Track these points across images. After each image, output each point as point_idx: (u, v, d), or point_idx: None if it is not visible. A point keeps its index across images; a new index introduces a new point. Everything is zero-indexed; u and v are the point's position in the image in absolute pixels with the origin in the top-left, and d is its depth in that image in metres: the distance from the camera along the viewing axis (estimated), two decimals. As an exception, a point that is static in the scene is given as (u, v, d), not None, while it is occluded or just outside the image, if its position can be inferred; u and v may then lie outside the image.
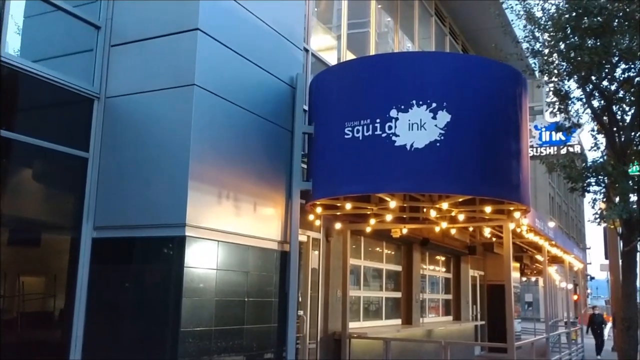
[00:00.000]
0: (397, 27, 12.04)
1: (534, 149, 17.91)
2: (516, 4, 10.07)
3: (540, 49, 9.71)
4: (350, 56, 9.73)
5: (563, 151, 16.62)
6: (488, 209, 7.55)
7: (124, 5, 6.06)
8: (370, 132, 6.31)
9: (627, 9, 8.53)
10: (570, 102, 9.86)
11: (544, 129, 17.98)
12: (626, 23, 8.59)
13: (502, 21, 11.95)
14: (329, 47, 9.73)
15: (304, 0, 7.90)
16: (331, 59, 9.18)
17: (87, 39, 5.97)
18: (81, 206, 5.68)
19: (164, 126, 5.57)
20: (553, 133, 16.57)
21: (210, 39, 5.74)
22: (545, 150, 17.89)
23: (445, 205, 7.72)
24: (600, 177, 9.58)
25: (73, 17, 5.79)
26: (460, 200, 7.61)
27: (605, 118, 9.74)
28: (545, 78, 10.05)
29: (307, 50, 8.11)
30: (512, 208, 7.50)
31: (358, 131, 6.39)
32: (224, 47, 5.94)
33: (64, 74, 5.55)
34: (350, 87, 6.70)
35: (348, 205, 7.54)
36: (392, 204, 7.75)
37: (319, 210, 7.44)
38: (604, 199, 10.15)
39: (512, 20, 11.92)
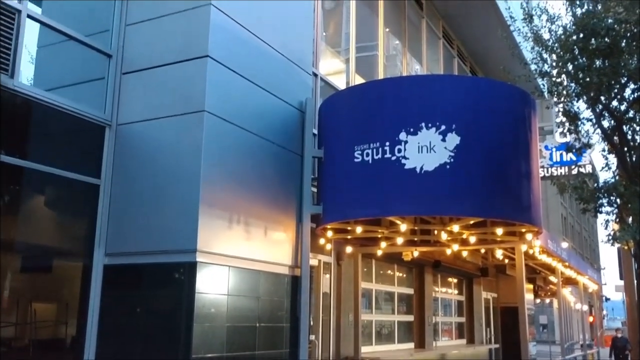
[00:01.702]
0: (405, 50, 12.12)
1: (545, 170, 17.82)
2: (523, 26, 10.12)
3: (549, 70, 9.73)
4: (358, 80, 9.79)
5: (574, 171, 16.54)
6: (499, 231, 7.51)
7: (135, 33, 6.15)
8: (379, 156, 6.32)
9: (635, 30, 8.55)
10: (580, 122, 9.84)
11: (554, 149, 17.90)
12: (634, 44, 8.60)
13: (509, 43, 12.01)
14: (338, 71, 9.79)
15: (313, 26, 7.98)
16: (340, 83, 9.24)
17: (99, 67, 6.05)
18: (93, 233, 5.71)
19: (175, 152, 5.61)
20: (564, 153, 16.48)
21: (219, 65, 5.81)
22: (557, 170, 17.80)
23: (456, 228, 7.68)
24: (612, 197, 9.52)
25: (85, 47, 5.88)
26: (472, 222, 7.57)
27: (615, 138, 9.70)
28: (554, 99, 10.05)
29: (315, 75, 8.17)
30: (523, 230, 7.45)
31: (367, 154, 6.40)
32: (233, 73, 6.00)
33: (76, 102, 5.63)
34: (359, 111, 6.73)
35: (359, 229, 7.53)
36: (403, 227, 7.72)
37: (329, 234, 7.43)
38: (617, 220, 10.07)
39: (519, 42, 11.97)
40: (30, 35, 5.47)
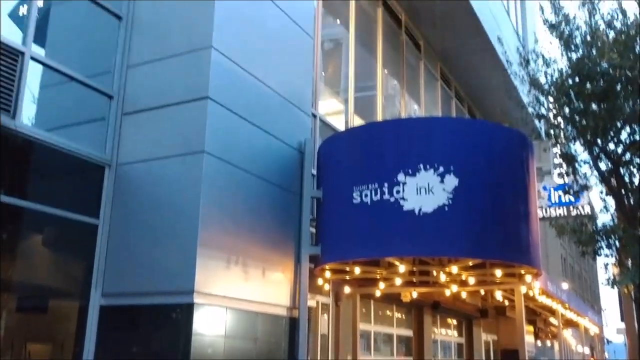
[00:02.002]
0: (403, 91, 12.27)
1: (543, 210, 17.83)
2: (520, 70, 10.27)
3: (545, 113, 9.86)
4: (357, 120, 9.88)
5: (573, 212, 16.55)
6: (499, 273, 7.48)
7: (137, 74, 6.23)
8: (378, 197, 6.34)
9: (629, 74, 8.69)
10: (577, 165, 9.92)
11: (552, 190, 17.96)
12: (629, 88, 8.73)
13: (507, 86, 12.18)
14: (337, 111, 9.89)
15: (312, 66, 8.09)
16: (339, 123, 9.33)
17: (100, 107, 6.11)
18: (90, 273, 5.67)
19: (174, 193, 5.63)
20: (562, 194, 16.54)
21: (219, 107, 5.87)
22: (555, 211, 17.82)
23: (455, 269, 7.65)
24: (610, 240, 9.52)
25: (87, 88, 5.95)
26: (471, 264, 7.55)
27: (613, 180, 9.76)
28: (552, 142, 10.14)
29: (315, 116, 8.25)
30: (523, 271, 7.42)
31: (366, 195, 6.42)
32: (233, 114, 6.05)
33: (76, 142, 5.67)
34: (358, 152, 6.78)
35: (357, 270, 7.49)
36: (402, 268, 7.69)
37: (328, 274, 7.39)
38: (616, 263, 10.04)
39: (516, 86, 12.15)
40: (33, 75, 5.54)
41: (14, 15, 5.76)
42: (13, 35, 5.32)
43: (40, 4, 5.66)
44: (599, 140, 9.28)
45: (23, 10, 5.65)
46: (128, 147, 6.04)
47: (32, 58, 5.33)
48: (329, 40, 10.12)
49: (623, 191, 9.61)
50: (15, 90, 5.08)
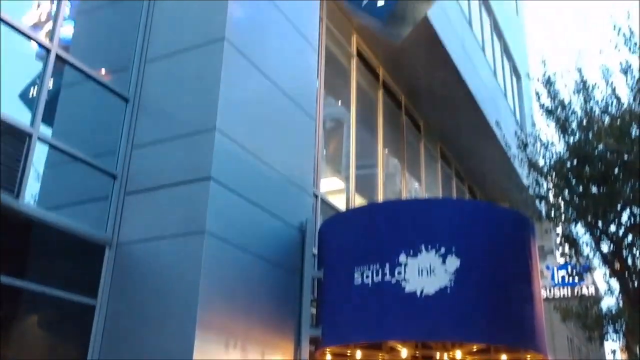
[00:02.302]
0: (404, 170, 12.39)
1: (547, 290, 17.60)
2: (519, 152, 10.43)
3: (545, 194, 9.92)
4: (358, 199, 9.92)
5: (577, 293, 16.33)
6: (504, 357, 7.28)
7: (141, 155, 6.32)
8: (379, 278, 6.27)
9: (627, 158, 8.81)
10: (579, 246, 9.88)
11: (555, 269, 17.79)
12: (627, 171, 8.83)
13: (506, 169, 12.32)
14: (338, 190, 9.94)
15: (314, 146, 8.19)
16: (340, 202, 9.36)
17: (103, 187, 6.16)
18: (85, 355, 5.54)
19: (174, 273, 5.58)
20: (565, 274, 16.39)
21: (222, 187, 5.91)
22: (559, 291, 17.58)
23: (459, 354, 7.45)
24: (617, 324, 9.35)
25: (91, 168, 6.02)
26: (475, 348, 7.37)
27: (616, 263, 9.69)
28: (552, 223, 10.16)
29: (316, 196, 8.29)
30: (528, 356, 7.23)
31: (367, 277, 6.36)
32: (235, 194, 6.09)
33: (78, 221, 5.68)
34: (360, 232, 6.77)
35: (358, 353, 7.30)
36: (404, 352, 7.50)
37: (328, 357, 7.20)
38: (624, 348, 9.82)
39: (516, 168, 12.29)
40: (38, 154, 5.62)
41: (24, 97, 5.91)
42: (22, 116, 5.45)
43: (50, 85, 5.82)
44: (599, 223, 9.30)
45: (33, 92, 5.80)
46: (129, 226, 6.04)
47: (40, 139, 5.42)
48: (331, 119, 10.32)
49: (627, 274, 9.53)
50: (20, 171, 5.14)
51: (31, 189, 5.53)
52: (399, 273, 6.19)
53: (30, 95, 5.80)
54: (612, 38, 9.78)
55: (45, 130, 5.68)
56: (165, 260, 5.69)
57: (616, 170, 8.82)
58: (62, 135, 5.92)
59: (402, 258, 6.26)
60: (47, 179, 5.87)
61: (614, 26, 9.80)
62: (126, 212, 6.12)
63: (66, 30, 6.21)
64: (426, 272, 6.15)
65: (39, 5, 6.11)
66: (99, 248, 5.89)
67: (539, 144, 10.07)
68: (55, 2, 6.07)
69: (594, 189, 8.89)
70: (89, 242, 5.80)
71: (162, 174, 6.07)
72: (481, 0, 15.70)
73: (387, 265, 6.26)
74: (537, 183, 9.79)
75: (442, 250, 6.21)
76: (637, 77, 9.16)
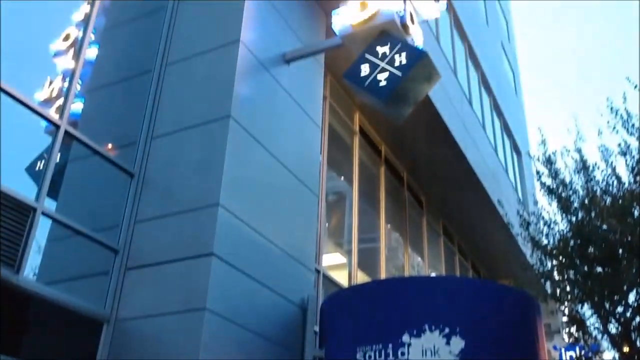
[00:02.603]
0: (406, 245, 12.33)
1: (555, 371, 17.08)
2: (522, 230, 10.41)
3: (550, 274, 9.83)
4: (361, 274, 9.82)
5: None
6: None
7: (144, 230, 6.32)
8: (382, 359, 6.12)
9: (630, 239, 8.79)
10: (586, 327, 9.69)
11: (563, 349, 17.32)
12: (631, 252, 8.78)
13: (510, 248, 12.26)
14: (340, 265, 9.87)
15: (316, 219, 8.19)
16: (342, 277, 9.27)
17: (104, 261, 6.12)
18: None
19: (172, 351, 5.46)
20: (574, 355, 15.95)
21: (223, 263, 5.88)
22: (567, 372, 17.05)
23: None
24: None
25: (93, 242, 6.01)
26: None
27: (625, 346, 9.47)
28: (558, 304, 10.01)
29: (318, 271, 8.22)
30: None
31: (370, 357, 6.19)
32: (236, 270, 6.05)
33: (77, 296, 5.62)
34: (362, 310, 6.65)
35: None
36: None
37: None
38: None
39: (520, 245, 12.24)
40: (41, 228, 5.62)
41: (30, 170, 5.98)
42: (27, 189, 5.50)
43: (57, 159, 5.89)
44: (606, 304, 9.16)
45: (40, 165, 5.87)
46: (128, 302, 5.96)
47: (43, 213, 5.44)
48: (333, 193, 10.38)
49: (636, 357, 9.28)
50: (22, 246, 5.13)
51: (31, 262, 5.50)
52: (403, 354, 6.04)
53: (37, 169, 5.87)
54: (610, 119, 10.01)
55: (50, 204, 5.71)
56: (165, 338, 5.58)
57: (620, 250, 8.77)
58: (66, 209, 5.95)
59: (406, 338, 6.12)
60: (48, 252, 5.85)
61: (612, 108, 10.04)
62: (126, 288, 6.06)
63: (76, 106, 6.36)
64: (430, 353, 6.00)
65: (51, 82, 6.28)
66: (97, 324, 5.79)
67: (541, 223, 10.07)
68: (67, 80, 6.25)
69: (599, 269, 8.81)
70: (87, 319, 5.71)
71: (164, 250, 6.05)
72: (480, 80, 16.11)
73: (390, 346, 6.12)
74: (542, 262, 9.72)
75: (447, 330, 6.09)
76: (637, 157, 9.28)
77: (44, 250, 5.79)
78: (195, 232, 5.99)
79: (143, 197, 6.48)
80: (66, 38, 6.53)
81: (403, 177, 12.59)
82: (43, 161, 5.83)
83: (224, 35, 7.00)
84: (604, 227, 8.77)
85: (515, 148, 19.18)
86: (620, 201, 8.84)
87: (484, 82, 16.42)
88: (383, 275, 10.70)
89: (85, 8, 6.73)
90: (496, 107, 17.33)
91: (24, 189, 5.47)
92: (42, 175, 5.63)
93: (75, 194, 6.42)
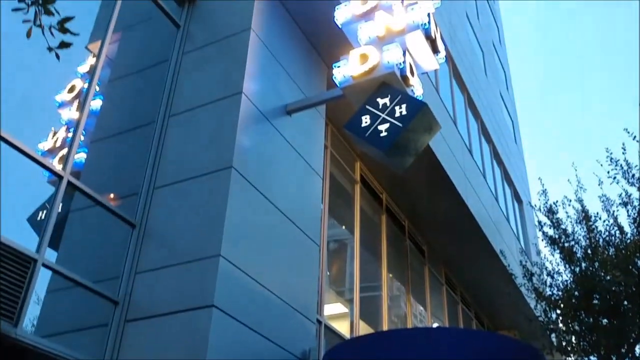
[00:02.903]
0: (409, 295, 12.21)
1: None
2: (526, 281, 10.32)
3: (554, 326, 9.70)
4: (363, 324, 9.70)
5: None
6: None
7: (145, 280, 6.27)
8: (385, 413, 5.99)
9: (633, 290, 8.71)
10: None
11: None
12: (637, 304, 8.68)
13: (514, 297, 12.14)
14: (342, 314, 9.75)
15: (318, 273, 8.14)
16: (344, 327, 9.15)
17: (104, 313, 6.05)
18: None
19: (170, 407, 5.35)
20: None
21: (224, 314, 5.81)
22: None
23: None
24: None
25: (93, 293, 5.96)
26: None
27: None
28: (564, 357, 9.84)
29: (320, 322, 8.12)
30: None
31: (373, 411, 6.07)
32: (237, 322, 5.97)
33: (75, 349, 5.53)
34: (364, 363, 6.54)
35: None
36: None
37: None
38: None
39: (523, 295, 12.12)
40: (41, 280, 5.58)
41: (32, 220, 5.97)
42: (28, 239, 5.48)
43: (59, 209, 5.90)
44: (612, 357, 8.99)
45: (41, 215, 5.87)
46: (128, 355, 5.86)
47: (44, 265, 5.42)
48: (334, 241, 10.34)
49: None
50: (21, 298, 5.09)
51: (30, 313, 5.44)
52: (406, 408, 5.92)
53: (38, 219, 5.87)
54: (610, 170, 10.05)
55: (50, 254, 5.69)
56: (163, 393, 5.47)
57: (625, 302, 8.67)
58: (67, 259, 5.92)
59: (409, 392, 6.00)
60: (47, 303, 5.79)
61: (611, 159, 10.11)
62: (125, 340, 5.97)
63: (79, 156, 6.41)
64: (434, 408, 5.88)
65: (55, 133, 6.35)
66: (94, 378, 5.69)
67: (545, 273, 10.01)
68: (71, 131, 6.31)
69: (605, 321, 8.69)
70: (85, 372, 5.61)
71: (164, 302, 5.99)
72: (480, 129, 16.27)
73: (393, 399, 6.00)
74: (546, 314, 9.61)
75: (451, 384, 5.97)
76: (638, 208, 9.28)
77: (44, 301, 5.73)
78: (196, 283, 5.95)
79: (144, 248, 6.46)
80: (71, 89, 6.63)
81: (404, 226, 12.57)
82: (45, 211, 5.83)
83: (227, 87, 7.11)
84: (608, 277, 8.70)
85: (516, 196, 19.21)
86: (623, 252, 8.79)
87: (484, 131, 16.58)
88: (385, 325, 10.56)
89: (90, 60, 6.86)
90: (496, 156, 17.44)
91: (25, 239, 5.46)
92: (44, 225, 5.62)
93: (76, 244, 6.40)
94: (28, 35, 3.55)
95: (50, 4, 3.50)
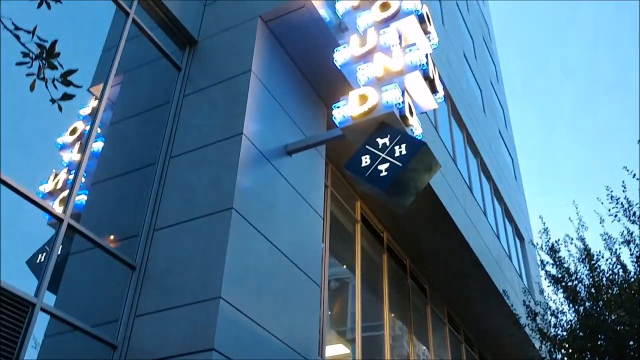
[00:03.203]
0: (411, 334, 12.06)
1: None
2: (530, 322, 10.21)
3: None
4: (365, 365, 9.56)
5: None
6: None
7: (144, 323, 6.20)
8: None
9: (638, 330, 8.60)
10: None
11: None
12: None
13: (518, 336, 12.00)
14: (344, 355, 9.61)
15: (319, 313, 8.05)
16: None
17: (102, 357, 5.97)
18: None
19: None
20: None
21: (224, 358, 5.72)
22: None
23: None
24: None
25: (91, 337, 5.88)
26: None
27: None
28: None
29: (321, 365, 8.01)
30: None
31: None
32: (237, 366, 5.89)
33: (73, 395, 5.43)
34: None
35: None
36: None
37: None
38: None
39: (528, 335, 11.97)
40: (39, 324, 5.52)
41: (31, 263, 5.94)
42: (27, 282, 5.44)
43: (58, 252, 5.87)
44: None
45: (41, 258, 5.84)
46: (125, 401, 5.77)
47: (42, 309, 5.36)
48: (335, 280, 10.26)
49: None
50: (19, 343, 5.02)
51: (28, 358, 5.36)
52: None
53: (38, 261, 5.83)
54: (610, 208, 10.06)
55: (49, 297, 5.63)
56: None
57: (630, 343, 8.56)
58: (66, 302, 5.86)
59: None
60: (45, 348, 5.70)
61: (612, 197, 10.12)
62: (124, 385, 5.88)
63: (80, 198, 6.41)
64: None
65: (56, 175, 6.36)
66: None
67: (548, 313, 9.90)
68: (72, 173, 6.33)
69: (611, 362, 8.58)
70: (82, 419, 5.50)
71: (164, 345, 5.91)
72: (480, 166, 16.32)
73: None
74: (551, 354, 9.47)
75: None
76: (641, 246, 9.25)
77: (42, 345, 5.66)
78: (195, 326, 5.88)
79: (144, 290, 6.41)
80: (73, 132, 6.67)
81: (406, 265, 12.49)
82: (44, 254, 5.80)
83: (228, 129, 7.16)
84: (613, 317, 8.60)
85: (518, 233, 19.14)
86: (627, 290, 8.71)
87: (484, 169, 16.62)
88: (388, 367, 10.40)
89: (92, 103, 6.92)
90: (496, 193, 17.45)
91: (24, 281, 5.42)
92: (43, 269, 5.58)
93: (75, 286, 6.35)
94: (31, 88, 3.58)
95: (55, 58, 3.54)
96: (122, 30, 7.40)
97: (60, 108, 3.75)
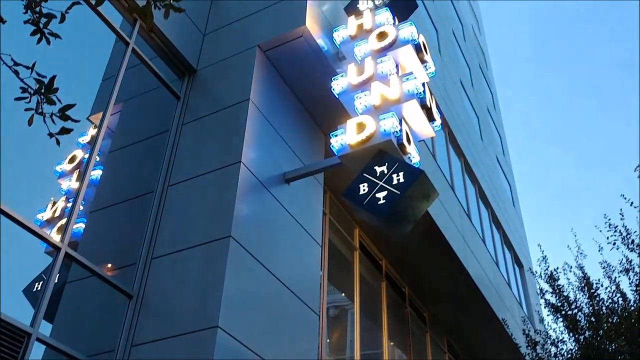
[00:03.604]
0: (411, 361, 11.96)
1: None
2: (530, 351, 10.13)
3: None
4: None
5: None
6: None
7: (140, 353, 6.12)
8: None
9: (638, 357, 8.53)
10: None
11: None
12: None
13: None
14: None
15: (317, 342, 7.97)
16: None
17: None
18: None
19: None
20: None
21: (222, 389, 5.67)
22: None
23: None
24: None
25: (88, 367, 5.84)
26: None
27: None
28: None
29: (320, 395, 7.91)
30: None
31: None
32: (235, 397, 5.82)
33: None
34: None
35: None
36: None
37: None
38: None
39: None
40: (34, 354, 5.47)
41: (27, 291, 5.90)
42: (23, 311, 5.40)
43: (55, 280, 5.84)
44: None
45: (37, 286, 5.81)
46: None
47: (38, 339, 5.32)
48: (334, 307, 10.19)
49: None
50: (14, 374, 4.98)
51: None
52: None
53: (34, 290, 5.80)
54: (609, 236, 10.05)
55: (45, 326, 5.59)
56: None
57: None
58: (62, 332, 5.82)
59: None
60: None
61: (610, 225, 10.13)
62: (119, 417, 5.80)
63: (77, 226, 6.40)
64: None
65: (54, 203, 6.37)
66: None
67: (549, 342, 9.82)
68: (70, 201, 6.34)
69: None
70: None
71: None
72: (478, 194, 16.34)
73: None
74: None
75: None
76: (640, 274, 9.22)
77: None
78: (193, 355, 5.82)
79: (141, 319, 6.36)
80: (72, 160, 6.69)
81: (405, 292, 12.42)
82: (41, 282, 5.77)
83: (226, 157, 7.19)
84: (613, 346, 8.53)
85: (517, 261, 19.08)
86: (627, 319, 8.65)
87: (482, 196, 16.64)
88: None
89: (92, 131, 6.95)
90: (495, 220, 17.44)
91: (20, 310, 5.38)
92: (40, 298, 5.55)
93: (72, 315, 6.30)
94: (29, 123, 3.59)
95: (53, 93, 3.56)
96: (122, 60, 7.47)
97: (58, 142, 3.75)
